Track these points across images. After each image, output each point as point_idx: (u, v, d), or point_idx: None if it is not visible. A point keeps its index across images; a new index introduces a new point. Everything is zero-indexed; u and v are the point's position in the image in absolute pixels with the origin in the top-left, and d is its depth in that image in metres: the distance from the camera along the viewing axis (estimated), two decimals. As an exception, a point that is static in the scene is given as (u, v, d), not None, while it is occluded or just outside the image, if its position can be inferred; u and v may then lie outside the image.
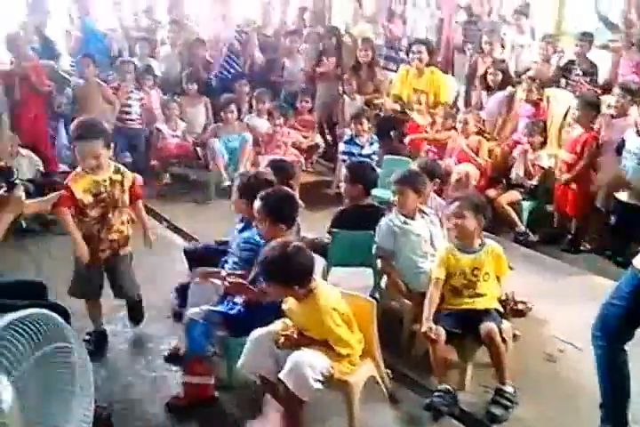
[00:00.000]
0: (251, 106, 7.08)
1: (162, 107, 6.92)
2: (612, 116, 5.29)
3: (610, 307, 2.81)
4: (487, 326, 3.21)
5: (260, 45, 7.85)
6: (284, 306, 3.00)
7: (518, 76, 6.69)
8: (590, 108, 5.25)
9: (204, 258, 3.77)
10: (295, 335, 2.92)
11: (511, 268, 3.67)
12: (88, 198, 3.45)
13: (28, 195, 4.00)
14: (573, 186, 5.29)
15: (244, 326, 3.11)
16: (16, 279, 3.45)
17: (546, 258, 5.16)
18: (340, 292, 3.04)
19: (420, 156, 5.81)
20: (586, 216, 5.36)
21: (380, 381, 3.20)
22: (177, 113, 6.81)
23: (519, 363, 3.41)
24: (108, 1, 8.44)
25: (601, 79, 6.47)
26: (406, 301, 3.74)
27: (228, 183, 6.00)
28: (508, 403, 3.18)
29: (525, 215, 5.55)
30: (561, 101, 6.13)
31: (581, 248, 5.33)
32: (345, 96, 7.13)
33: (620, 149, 4.92)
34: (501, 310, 3.45)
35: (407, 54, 6.85)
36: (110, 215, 3.53)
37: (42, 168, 5.84)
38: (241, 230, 3.56)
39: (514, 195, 5.58)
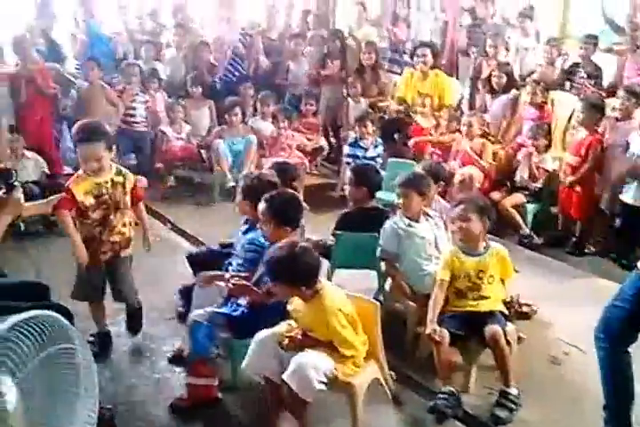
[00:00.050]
0: (255, 109, 7.09)
1: (166, 109, 6.95)
2: (617, 119, 5.28)
3: (613, 309, 2.80)
4: (491, 328, 3.20)
5: (264, 48, 7.87)
6: (289, 306, 3.01)
7: (523, 79, 6.68)
8: (595, 110, 5.24)
9: (207, 262, 3.77)
10: (299, 337, 2.92)
11: (516, 271, 3.66)
12: (89, 200, 3.45)
13: (32, 197, 4.03)
14: (578, 188, 5.28)
15: (247, 327, 3.11)
16: (20, 280, 3.45)
17: (550, 261, 5.14)
18: (344, 294, 3.04)
19: (425, 158, 5.81)
20: (590, 219, 5.35)
21: (383, 383, 3.20)
22: (181, 116, 6.83)
23: (524, 365, 3.41)
24: (114, 4, 8.48)
25: (606, 82, 6.47)
26: (410, 303, 3.73)
27: (232, 184, 6.01)
28: (513, 405, 3.17)
29: (530, 218, 5.54)
30: (565, 104, 6.13)
31: (586, 251, 5.31)
32: (349, 99, 7.14)
33: (624, 151, 4.92)
34: (506, 312, 3.44)
35: (411, 57, 6.86)
36: (112, 217, 3.53)
37: (47, 170, 5.86)
38: (245, 232, 3.56)
39: (518, 197, 5.57)
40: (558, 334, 3.96)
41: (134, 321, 3.87)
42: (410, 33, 8.49)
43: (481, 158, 5.71)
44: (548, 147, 5.68)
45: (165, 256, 4.71)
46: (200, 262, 3.83)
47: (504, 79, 6.28)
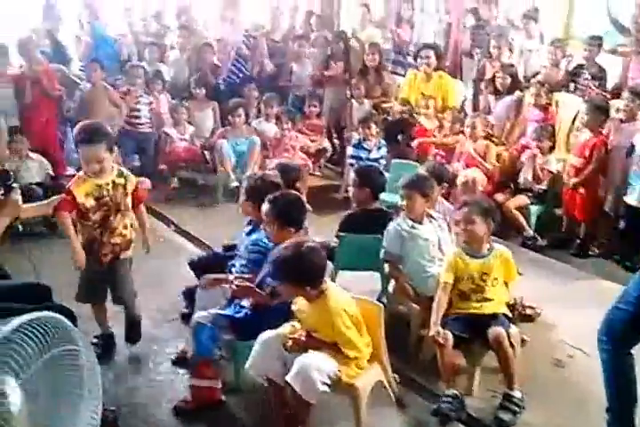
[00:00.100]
0: (259, 110, 7.11)
1: (170, 111, 6.97)
2: (621, 121, 5.27)
3: (616, 311, 2.80)
4: (495, 330, 3.20)
5: (268, 50, 7.88)
6: (293, 307, 3.01)
7: (527, 80, 6.68)
8: (599, 112, 5.23)
9: (209, 266, 3.76)
10: (303, 338, 2.92)
11: (520, 273, 3.66)
12: (90, 202, 3.44)
13: (36, 199, 4.03)
14: (582, 190, 5.27)
15: (251, 329, 3.11)
16: (22, 282, 3.45)
17: (554, 262, 5.13)
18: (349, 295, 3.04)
19: (428, 160, 5.79)
20: (594, 221, 5.34)
21: (387, 385, 3.19)
22: (185, 117, 6.85)
23: (527, 368, 3.40)
24: (118, 6, 8.51)
25: (610, 83, 6.45)
26: (414, 305, 3.73)
27: (235, 184, 6.02)
28: (516, 408, 3.16)
29: (533, 220, 5.53)
30: (569, 106, 6.11)
31: (590, 253, 5.30)
32: (353, 100, 7.14)
33: (629, 153, 4.91)
34: (509, 314, 3.43)
35: (415, 59, 6.85)
36: (112, 219, 3.52)
37: (51, 172, 5.87)
38: (249, 233, 3.57)
39: (522, 199, 5.56)
40: (562, 337, 3.95)
41: (133, 331, 3.80)
42: (413, 34, 8.48)
43: (485, 160, 5.70)
44: (552, 148, 5.68)
45: (169, 258, 4.72)
46: (202, 267, 3.82)
47: (508, 81, 6.29)
